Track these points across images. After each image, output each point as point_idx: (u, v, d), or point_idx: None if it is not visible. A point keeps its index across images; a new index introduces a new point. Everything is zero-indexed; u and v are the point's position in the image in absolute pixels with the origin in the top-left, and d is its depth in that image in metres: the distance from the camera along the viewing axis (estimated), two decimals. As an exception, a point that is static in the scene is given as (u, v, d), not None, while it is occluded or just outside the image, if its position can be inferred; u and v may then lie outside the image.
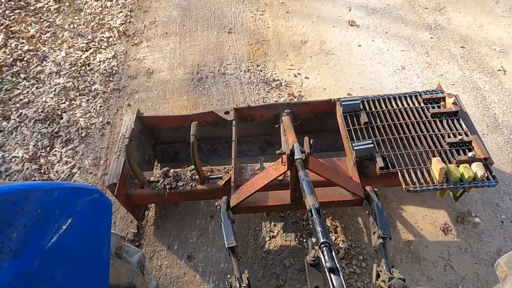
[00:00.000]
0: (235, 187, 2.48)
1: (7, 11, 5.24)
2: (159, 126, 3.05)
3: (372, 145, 2.48)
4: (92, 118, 3.88)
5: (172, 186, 2.59)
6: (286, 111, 2.91)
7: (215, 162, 3.21)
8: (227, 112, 2.90)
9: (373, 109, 2.79)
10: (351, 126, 2.69)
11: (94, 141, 3.68)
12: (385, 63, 4.22)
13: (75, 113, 3.93)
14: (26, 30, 4.97)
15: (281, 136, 2.73)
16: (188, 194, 2.61)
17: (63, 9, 5.38)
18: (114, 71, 4.39)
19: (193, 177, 2.62)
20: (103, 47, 4.74)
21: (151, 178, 2.64)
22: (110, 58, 4.55)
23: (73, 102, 4.05)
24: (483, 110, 3.67)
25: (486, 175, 2.31)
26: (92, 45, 4.75)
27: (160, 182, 2.62)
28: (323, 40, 4.58)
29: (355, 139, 2.60)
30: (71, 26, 5.07)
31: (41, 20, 5.18)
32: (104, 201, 1.59)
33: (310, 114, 2.98)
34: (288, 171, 2.20)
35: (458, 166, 2.35)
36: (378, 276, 1.95)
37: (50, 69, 4.41)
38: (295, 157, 2.04)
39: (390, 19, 4.81)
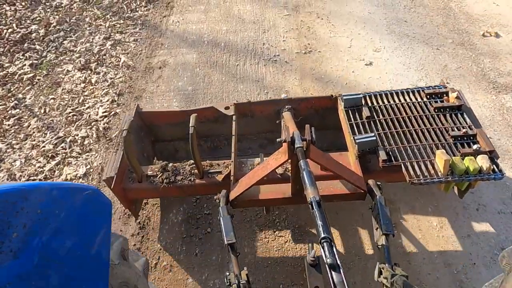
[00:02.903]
0: (235, 181, 2.42)
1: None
2: (158, 122, 3.01)
3: (374, 137, 2.43)
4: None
5: (171, 180, 2.54)
6: (287, 107, 2.88)
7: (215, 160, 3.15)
8: (227, 107, 2.87)
9: (375, 104, 2.75)
10: (352, 120, 2.65)
11: None
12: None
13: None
14: (-13, 110, 3.86)
15: (281, 131, 2.69)
16: (187, 188, 2.56)
17: (39, 79, 4.24)
18: (80, 205, 3.15)
19: (192, 171, 2.57)
20: (74, 154, 3.50)
21: (149, 172, 2.59)
22: (80, 178, 3.33)
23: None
24: None
25: (492, 167, 2.25)
26: (61, 148, 3.54)
27: (158, 176, 2.56)
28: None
29: (357, 133, 2.56)
30: (42, 110, 3.91)
31: (9, 94, 4.08)
32: (103, 201, 1.60)
33: (311, 110, 2.94)
34: (289, 161, 2.15)
35: (463, 159, 2.29)
36: (380, 273, 1.90)
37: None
38: (295, 146, 1.99)
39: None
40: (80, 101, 4.00)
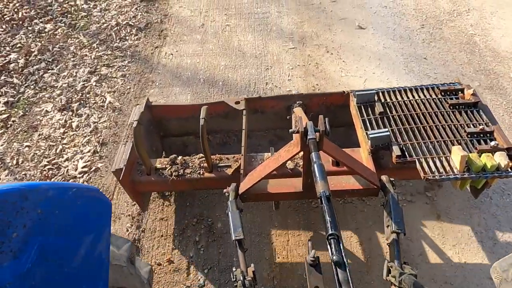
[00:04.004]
0: (244, 175, 2.39)
1: None
2: (168, 116, 2.99)
3: (388, 133, 2.38)
4: None
5: (180, 173, 2.51)
6: (298, 102, 2.84)
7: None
8: (237, 102, 2.85)
9: (388, 100, 2.71)
10: (365, 116, 2.60)
11: None
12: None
13: None
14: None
15: (292, 123, 2.65)
16: (196, 182, 2.53)
17: (14, 121, 3.76)
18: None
19: (201, 165, 2.54)
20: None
21: (158, 164, 2.57)
22: None
23: None
24: None
25: (510, 164, 2.18)
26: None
27: (167, 169, 2.54)
28: None
29: (369, 128, 2.51)
30: (15, 160, 3.43)
31: (-21, 140, 3.54)
32: (103, 201, 1.60)
33: (322, 107, 2.90)
34: (301, 153, 2.10)
35: (480, 156, 2.23)
36: (389, 271, 1.86)
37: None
38: (308, 137, 1.95)
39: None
40: (58, 151, 3.50)
